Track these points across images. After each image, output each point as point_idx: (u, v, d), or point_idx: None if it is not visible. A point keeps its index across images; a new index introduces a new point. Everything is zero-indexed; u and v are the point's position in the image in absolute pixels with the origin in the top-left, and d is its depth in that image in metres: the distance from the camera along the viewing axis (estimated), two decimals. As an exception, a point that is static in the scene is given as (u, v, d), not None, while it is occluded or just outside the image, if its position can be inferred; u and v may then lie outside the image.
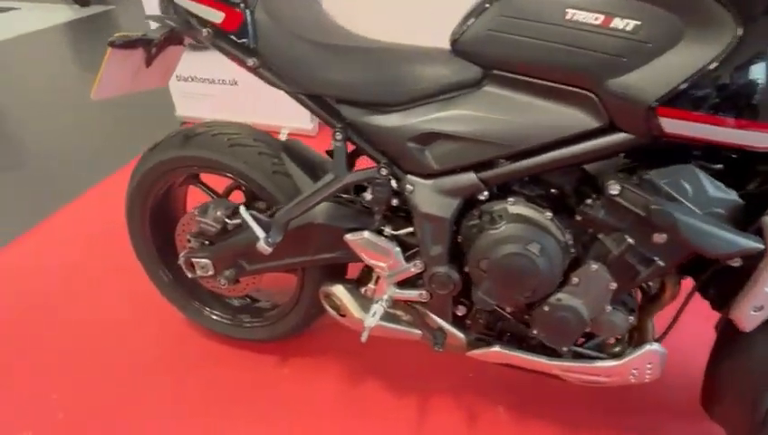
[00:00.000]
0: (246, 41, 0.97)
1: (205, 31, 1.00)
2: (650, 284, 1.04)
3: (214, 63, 2.56)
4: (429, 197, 0.98)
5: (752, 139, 0.73)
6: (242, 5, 0.95)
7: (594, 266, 0.92)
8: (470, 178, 0.95)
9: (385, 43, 1.01)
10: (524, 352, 1.09)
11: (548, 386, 1.35)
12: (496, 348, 1.11)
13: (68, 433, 1.28)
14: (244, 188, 1.28)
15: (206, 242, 1.27)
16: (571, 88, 0.83)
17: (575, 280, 0.95)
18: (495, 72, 0.89)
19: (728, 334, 0.98)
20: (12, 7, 5.58)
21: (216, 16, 0.97)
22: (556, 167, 0.89)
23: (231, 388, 1.38)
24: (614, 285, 0.93)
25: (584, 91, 0.82)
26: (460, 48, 0.91)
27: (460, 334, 1.13)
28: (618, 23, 0.75)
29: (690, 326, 1.24)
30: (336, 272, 1.27)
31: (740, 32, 0.69)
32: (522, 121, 0.88)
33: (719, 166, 0.83)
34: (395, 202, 1.05)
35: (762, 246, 0.78)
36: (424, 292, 1.10)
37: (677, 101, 0.73)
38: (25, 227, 2.02)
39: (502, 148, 0.90)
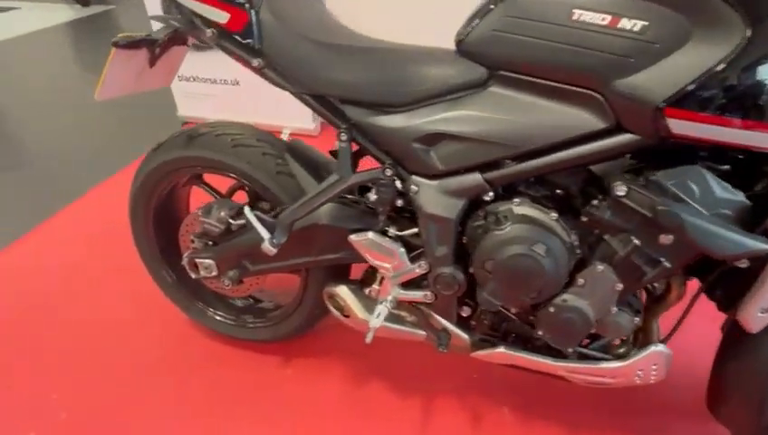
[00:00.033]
0: (251, 41, 0.97)
1: (209, 31, 1.00)
2: (655, 284, 1.04)
3: (216, 63, 2.56)
4: (434, 197, 0.98)
5: (759, 139, 0.73)
6: (247, 6, 0.95)
7: (600, 267, 0.92)
8: (475, 178, 0.94)
9: (390, 43, 1.01)
10: (529, 353, 1.09)
11: (552, 387, 1.34)
12: (501, 349, 1.10)
13: (71, 434, 1.28)
14: (247, 189, 1.28)
15: (210, 242, 1.27)
16: (577, 88, 0.82)
17: (581, 281, 0.95)
18: (501, 72, 0.89)
19: (734, 336, 0.98)
20: (12, 7, 5.57)
21: (221, 17, 0.96)
22: (562, 168, 0.89)
23: (234, 388, 1.38)
24: (620, 286, 0.92)
25: (590, 92, 0.81)
26: (465, 48, 0.90)
27: (464, 335, 1.13)
28: (625, 23, 0.75)
29: (695, 327, 1.24)
30: (340, 272, 1.27)
31: (749, 33, 0.69)
32: (527, 122, 0.87)
33: (726, 167, 0.83)
34: (399, 203, 1.04)
35: (769, 248, 0.77)
36: (428, 293, 1.10)
37: (685, 101, 0.73)
38: (27, 228, 2.02)
39: (507, 148, 0.90)
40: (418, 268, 1.06)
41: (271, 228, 1.10)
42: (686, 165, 0.82)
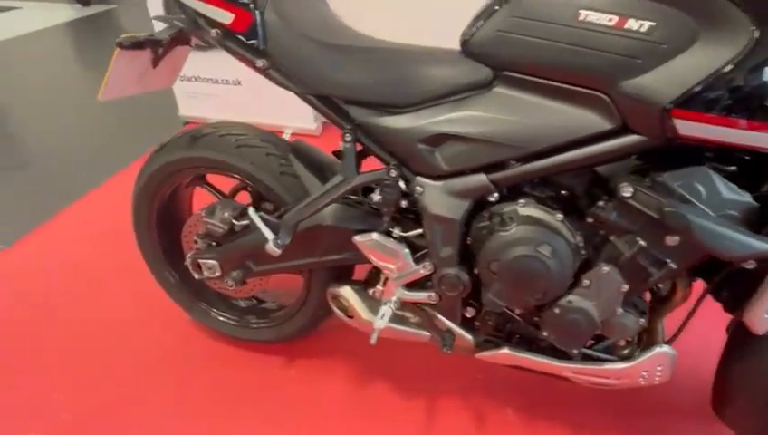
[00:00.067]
0: (256, 42, 0.97)
1: (213, 32, 0.99)
2: (660, 285, 1.04)
3: (217, 63, 2.55)
4: (439, 198, 0.98)
5: (766, 140, 0.73)
6: (252, 6, 0.95)
7: (605, 268, 0.92)
8: (480, 179, 0.94)
9: (394, 43, 1.01)
10: (534, 354, 1.09)
11: (557, 388, 1.34)
12: (505, 350, 1.10)
13: (72, 434, 1.27)
14: (250, 189, 1.27)
15: (213, 243, 1.27)
16: (583, 89, 0.82)
17: (586, 282, 0.94)
18: (506, 73, 0.89)
19: (740, 337, 0.98)
20: (13, 7, 5.57)
21: (226, 17, 0.96)
22: (568, 169, 0.89)
23: (237, 389, 1.38)
24: (625, 288, 0.92)
25: (597, 93, 0.81)
26: (470, 49, 0.90)
27: (469, 336, 1.13)
28: (632, 24, 0.74)
29: (699, 328, 1.24)
30: (343, 273, 1.27)
31: (756, 33, 0.69)
32: (533, 123, 0.87)
33: (732, 168, 0.82)
34: (404, 204, 1.04)
35: (776, 249, 0.77)
36: (433, 293, 1.09)
37: (692, 102, 0.73)
38: (30, 227, 2.02)
39: (513, 149, 0.90)
40: (423, 269, 1.06)
41: (275, 229, 1.10)
42: (693, 166, 0.81)
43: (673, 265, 0.87)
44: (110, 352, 1.48)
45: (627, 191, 0.84)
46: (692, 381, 1.35)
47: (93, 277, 1.76)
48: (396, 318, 1.17)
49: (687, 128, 0.75)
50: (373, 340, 1.13)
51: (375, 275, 1.22)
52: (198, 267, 1.29)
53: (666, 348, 1.00)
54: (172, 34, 1.11)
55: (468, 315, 1.12)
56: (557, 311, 0.97)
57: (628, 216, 0.86)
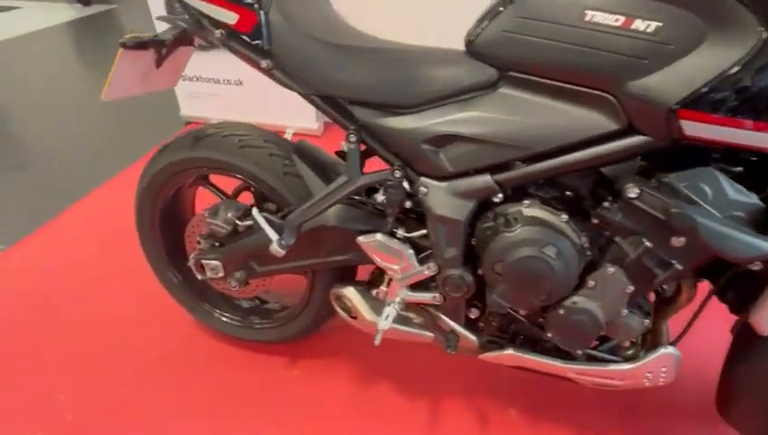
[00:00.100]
0: (261, 42, 0.96)
1: (218, 32, 0.99)
2: (665, 286, 1.03)
3: (219, 63, 2.55)
4: (443, 199, 0.98)
5: (774, 141, 0.72)
6: (256, 6, 0.94)
7: (611, 269, 0.92)
8: (485, 180, 0.94)
9: (399, 44, 1.01)
10: (538, 355, 1.09)
11: (560, 388, 1.34)
12: (509, 351, 1.10)
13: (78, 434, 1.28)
14: (253, 190, 1.27)
15: (216, 244, 1.27)
16: (589, 90, 0.82)
17: (591, 283, 0.94)
18: (511, 73, 0.88)
19: (745, 338, 0.98)
20: (14, 6, 5.57)
21: (230, 17, 0.96)
22: (573, 169, 0.88)
23: (240, 389, 1.38)
24: (631, 289, 0.92)
25: (603, 93, 0.81)
26: (475, 50, 0.90)
27: (473, 337, 1.13)
28: (639, 24, 0.74)
29: (703, 329, 1.23)
30: (346, 274, 1.27)
31: (764, 34, 0.68)
32: (538, 123, 0.87)
33: (739, 168, 0.82)
34: (408, 204, 1.04)
35: (783, 250, 0.77)
36: (437, 294, 1.09)
37: (699, 103, 0.73)
38: (32, 227, 2.02)
39: (518, 150, 0.89)
40: (427, 270, 1.06)
41: (279, 230, 1.09)
42: (698, 167, 0.81)
43: (679, 267, 0.87)
44: (113, 353, 1.48)
45: (632, 192, 0.84)
46: (696, 382, 1.35)
47: (95, 277, 1.75)
48: (399, 319, 1.17)
49: (694, 129, 0.75)
50: (377, 341, 1.12)
51: (378, 276, 1.22)
52: (201, 268, 1.29)
53: (670, 349, 0.99)
54: (175, 35, 1.11)
55: (472, 316, 1.12)
56: (562, 312, 0.97)
57: (634, 217, 0.86)
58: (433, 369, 1.42)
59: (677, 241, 0.84)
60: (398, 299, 1.13)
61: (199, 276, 1.32)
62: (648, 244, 0.87)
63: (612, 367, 1.04)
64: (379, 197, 1.06)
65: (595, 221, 0.91)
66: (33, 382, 1.40)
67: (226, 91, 2.67)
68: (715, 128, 0.73)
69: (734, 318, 1.02)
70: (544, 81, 0.85)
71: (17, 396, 1.36)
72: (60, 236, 1.98)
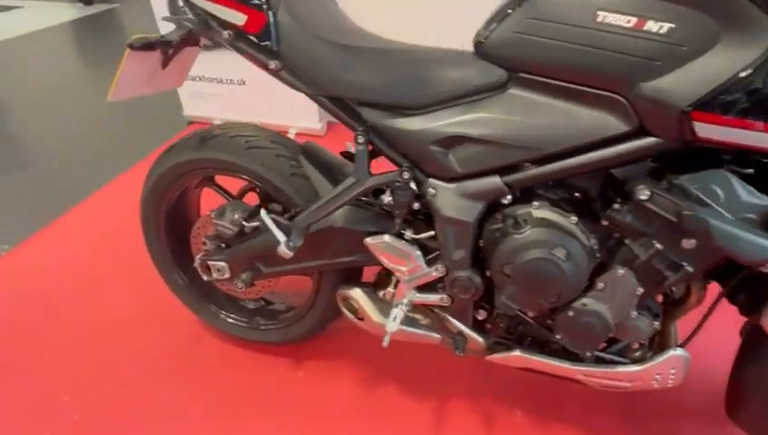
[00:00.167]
0: (269, 43, 0.96)
1: (226, 33, 0.99)
2: (674, 288, 1.03)
3: (222, 63, 2.55)
4: (452, 200, 0.97)
5: (787, 143, 0.72)
6: (265, 7, 0.94)
7: (620, 271, 0.91)
8: (494, 181, 0.94)
9: (407, 44, 1.00)
10: (546, 357, 1.08)
11: (566, 389, 1.34)
12: (517, 352, 1.10)
13: (84, 436, 1.28)
14: (258, 191, 1.27)
15: (223, 245, 1.26)
16: (600, 91, 0.82)
17: (600, 285, 0.94)
18: (521, 74, 0.88)
19: (755, 340, 0.97)
20: (15, 6, 5.56)
21: (238, 18, 0.95)
22: (583, 171, 0.88)
23: (246, 390, 1.38)
24: (640, 291, 0.92)
25: (614, 95, 0.80)
26: (484, 50, 0.89)
27: (480, 339, 1.12)
28: (651, 25, 0.74)
29: (712, 331, 1.23)
30: (352, 275, 1.27)
31: (779, 35, 0.68)
32: (548, 125, 0.87)
33: (750, 170, 0.82)
34: (416, 205, 1.04)
35: (796, 253, 0.76)
36: (445, 296, 1.09)
37: (712, 105, 0.72)
38: (35, 228, 2.01)
39: (528, 151, 0.89)
40: (435, 272, 1.06)
41: (287, 231, 1.09)
42: (710, 168, 0.81)
43: (689, 269, 0.86)
44: (116, 353, 1.48)
45: (643, 194, 0.83)
46: (703, 383, 1.35)
47: (99, 278, 1.75)
48: (406, 320, 1.17)
49: (707, 130, 0.74)
50: (385, 343, 1.12)
51: (385, 277, 1.21)
52: (207, 269, 1.29)
53: (679, 351, 0.99)
54: (182, 35, 1.10)
55: (479, 318, 1.12)
56: (571, 314, 0.97)
57: (645, 219, 0.86)
58: (438, 370, 1.41)
59: (688, 243, 0.84)
60: (405, 301, 1.12)
61: (205, 277, 1.32)
62: (658, 246, 0.87)
63: (621, 369, 1.04)
64: (386, 198, 1.06)
65: (605, 223, 0.91)
66: (38, 383, 1.40)
67: (229, 91, 2.66)
68: (727, 130, 0.73)
69: (741, 320, 1.01)
70: (554, 82, 0.85)
71: (22, 397, 1.36)
72: (63, 237, 1.98)
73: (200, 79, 2.66)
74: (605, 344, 1.09)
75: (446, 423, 1.29)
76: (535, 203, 0.94)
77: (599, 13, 0.77)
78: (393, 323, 1.10)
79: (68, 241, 1.95)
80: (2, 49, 4.28)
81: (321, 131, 2.69)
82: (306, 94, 1.01)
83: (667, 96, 0.75)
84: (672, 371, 1.01)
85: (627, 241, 0.91)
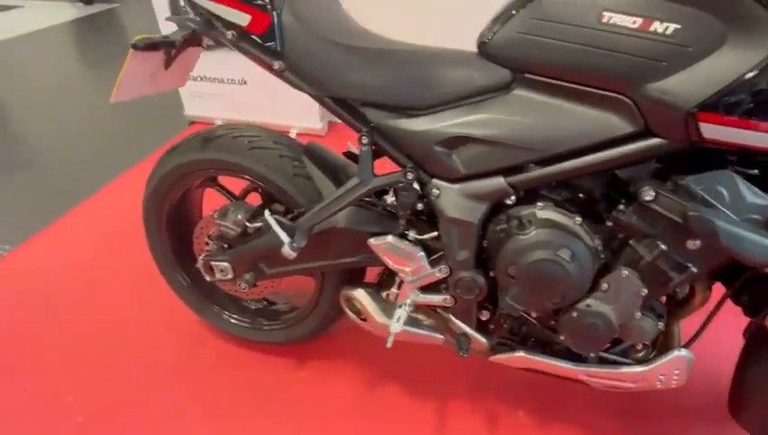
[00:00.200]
0: (273, 44, 0.96)
1: (229, 33, 0.98)
2: (678, 289, 1.03)
3: (223, 63, 2.55)
4: (456, 201, 0.97)
5: (794, 144, 0.72)
6: (269, 8, 0.94)
7: (625, 272, 0.91)
8: (498, 182, 0.93)
9: (411, 45, 1.00)
10: (549, 358, 1.08)
11: (569, 390, 1.34)
12: (520, 353, 1.10)
13: (87, 437, 1.28)
14: (261, 191, 1.27)
15: (225, 245, 1.26)
16: (605, 92, 0.81)
17: (605, 286, 0.94)
18: (526, 75, 0.88)
19: (759, 341, 0.97)
20: (16, 5, 5.56)
21: (242, 19, 0.95)
22: (587, 172, 0.88)
23: (248, 390, 1.38)
24: (645, 291, 0.92)
25: (619, 96, 0.80)
26: (489, 51, 0.89)
27: (483, 339, 1.12)
28: (657, 26, 0.74)
29: (714, 331, 1.23)
30: (355, 275, 1.27)
31: (786, 36, 0.68)
32: (552, 126, 0.87)
33: (755, 171, 0.82)
34: (419, 206, 1.03)
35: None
36: (448, 296, 1.09)
37: (718, 106, 0.72)
38: (37, 228, 2.01)
39: (532, 152, 0.89)
40: (439, 272, 1.05)
41: (290, 232, 1.09)
42: (715, 169, 0.81)
43: (694, 269, 0.86)
44: (119, 354, 1.48)
45: (648, 195, 0.83)
46: (705, 383, 1.35)
47: (101, 278, 1.75)
48: (410, 321, 1.16)
49: (713, 131, 0.74)
50: (389, 343, 1.12)
51: (388, 278, 1.21)
52: (210, 270, 1.29)
53: (683, 352, 0.99)
54: (185, 36, 1.10)
55: (483, 318, 1.12)
56: (575, 315, 0.97)
57: (649, 219, 0.86)
58: (440, 371, 1.41)
59: (693, 244, 0.84)
60: (408, 301, 1.12)
61: (208, 278, 1.32)
62: (663, 246, 0.86)
63: (625, 369, 1.04)
64: (389, 198, 1.06)
65: (609, 224, 0.91)
66: (40, 384, 1.40)
67: (231, 91, 2.66)
68: (733, 131, 0.73)
69: (743, 321, 1.01)
70: (559, 83, 0.85)
71: (25, 397, 1.36)
72: (64, 237, 1.98)
73: (201, 79, 2.66)
74: (608, 345, 1.09)
75: (448, 423, 1.29)
76: (539, 204, 0.94)
77: (604, 13, 0.77)
78: (397, 324, 1.10)
79: (69, 241, 1.95)
80: (2, 49, 4.28)
81: (322, 131, 2.69)
82: (310, 95, 1.01)
83: (673, 97, 0.75)
84: (676, 371, 1.01)
85: (631, 242, 0.90)
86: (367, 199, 1.12)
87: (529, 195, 0.96)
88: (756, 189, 0.79)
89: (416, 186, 1.00)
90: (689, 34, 0.72)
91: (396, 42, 1.02)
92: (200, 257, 1.30)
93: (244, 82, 2.62)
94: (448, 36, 1.48)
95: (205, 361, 1.46)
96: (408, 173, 0.99)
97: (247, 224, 1.20)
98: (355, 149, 1.17)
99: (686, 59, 0.73)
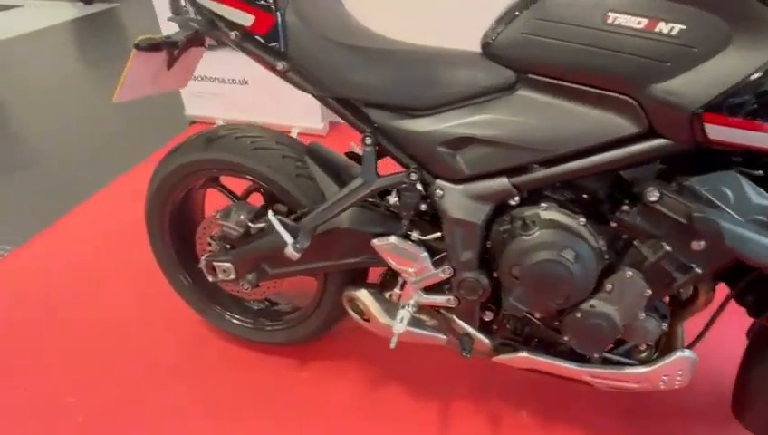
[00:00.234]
0: (277, 44, 0.95)
1: (233, 34, 0.98)
2: (681, 290, 1.03)
3: (224, 63, 2.54)
4: (460, 202, 0.97)
5: (799, 145, 0.72)
6: (273, 8, 0.93)
7: (629, 273, 0.91)
8: (502, 183, 0.93)
9: (415, 45, 1.00)
10: (552, 358, 1.08)
11: (572, 390, 1.34)
12: (524, 354, 1.10)
13: (88, 438, 1.28)
14: (263, 191, 1.27)
15: (228, 246, 1.26)
16: (609, 93, 0.81)
17: (609, 287, 0.94)
18: (530, 75, 0.88)
19: (762, 341, 0.97)
20: (16, 5, 5.55)
21: (246, 19, 0.95)
22: (592, 173, 0.88)
23: (250, 391, 1.37)
24: (649, 292, 0.92)
25: (624, 97, 0.80)
26: (492, 51, 0.89)
27: (486, 340, 1.12)
28: (662, 27, 0.74)
29: (718, 332, 1.23)
30: (358, 276, 1.27)
31: (791, 37, 0.68)
32: (557, 126, 0.86)
33: (759, 172, 0.82)
34: (423, 207, 1.03)
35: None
36: (451, 297, 1.09)
37: (724, 107, 0.72)
38: (38, 228, 2.01)
39: (536, 153, 0.89)
40: (442, 273, 1.05)
41: (294, 233, 1.09)
42: (719, 170, 0.80)
43: (698, 270, 0.86)
44: (119, 354, 1.48)
45: (653, 196, 0.83)
46: (710, 384, 1.35)
47: (102, 278, 1.75)
48: (413, 321, 1.16)
49: (718, 132, 0.74)
50: (393, 344, 1.12)
51: (391, 278, 1.21)
52: (213, 270, 1.29)
53: (687, 352, 0.99)
54: (188, 36, 1.10)
55: (486, 319, 1.11)
56: (579, 315, 0.97)
57: (654, 220, 0.86)
58: (443, 371, 1.41)
59: (697, 245, 0.84)
60: (411, 302, 1.12)
61: (210, 278, 1.31)
62: (667, 247, 0.86)
63: (628, 370, 1.04)
64: (392, 199, 1.06)
65: (613, 224, 0.91)
66: (41, 384, 1.39)
67: (231, 91, 2.66)
68: (739, 132, 0.73)
69: (748, 321, 1.01)
70: (563, 83, 0.85)
71: (26, 398, 1.36)
72: (65, 237, 1.97)
73: (202, 78, 2.65)
74: (612, 345, 1.09)
75: (451, 424, 1.29)
76: (543, 204, 0.94)
77: (609, 14, 0.77)
78: (400, 325, 1.10)
79: (70, 241, 1.94)
80: (2, 48, 4.27)
81: (323, 131, 2.69)
82: (313, 95, 1.01)
83: (678, 98, 0.75)
84: (679, 372, 1.01)
85: (635, 243, 0.90)
86: (370, 200, 1.12)
87: (533, 195, 0.96)
88: (761, 190, 0.79)
89: (419, 186, 1.00)
90: (694, 35, 0.72)
91: (399, 42, 1.01)
92: (203, 258, 1.29)
93: (245, 82, 2.62)
94: (450, 36, 1.48)
95: (206, 361, 1.46)
96: (412, 174, 0.99)
97: (250, 224, 1.20)
98: (357, 150, 1.17)
99: (692, 60, 0.73)
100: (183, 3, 2.34)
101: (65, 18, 5.08)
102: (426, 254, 1.06)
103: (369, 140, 0.99)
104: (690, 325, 1.04)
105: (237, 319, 1.45)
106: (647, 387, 1.05)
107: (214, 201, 1.42)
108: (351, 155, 1.23)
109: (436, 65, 0.95)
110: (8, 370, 1.44)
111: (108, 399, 1.36)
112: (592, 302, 0.95)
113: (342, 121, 1.03)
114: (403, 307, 1.12)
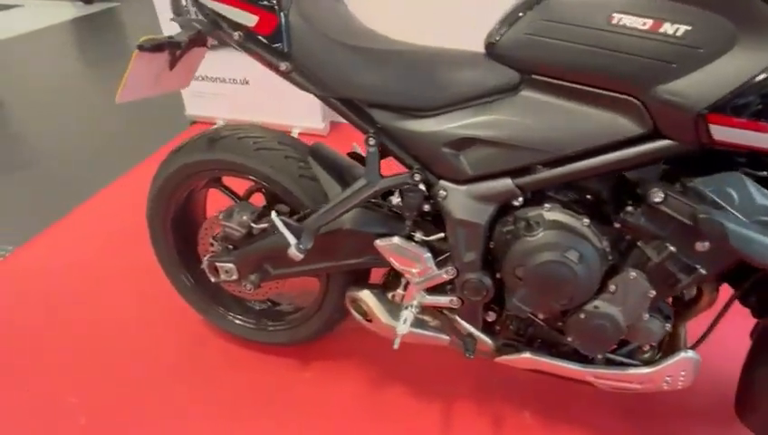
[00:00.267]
0: (280, 45, 0.95)
1: (236, 34, 0.98)
2: (685, 290, 1.03)
3: (225, 62, 2.54)
4: (463, 202, 0.97)
5: (804, 146, 0.72)
6: (276, 8, 0.93)
7: (633, 274, 0.91)
8: (506, 184, 0.93)
9: (418, 46, 1.00)
10: (555, 359, 1.08)
11: (574, 390, 1.34)
12: (527, 354, 1.10)
13: (91, 439, 1.27)
14: (264, 192, 1.27)
15: (230, 246, 1.26)
16: (614, 94, 0.81)
17: (612, 287, 0.94)
18: (534, 76, 0.87)
19: (765, 342, 0.97)
20: (16, 4, 5.54)
21: (249, 20, 0.95)
22: (596, 174, 0.88)
23: (251, 391, 1.37)
24: (652, 293, 0.91)
25: (628, 97, 0.80)
26: (496, 52, 0.89)
27: (489, 341, 1.12)
28: (667, 28, 0.73)
29: (721, 332, 1.23)
30: (360, 277, 1.26)
31: (797, 38, 0.68)
32: (561, 127, 0.86)
33: (764, 173, 0.82)
34: (426, 208, 1.03)
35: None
36: (454, 298, 1.09)
37: (729, 108, 0.72)
38: (40, 227, 2.01)
39: (540, 154, 0.89)
40: (445, 274, 1.05)
41: (297, 234, 1.08)
42: (724, 171, 0.80)
43: (702, 271, 0.86)
44: (121, 354, 1.48)
45: (657, 197, 0.83)
46: (713, 385, 1.35)
47: (104, 278, 1.75)
48: (415, 322, 1.16)
49: (723, 133, 0.74)
50: (396, 345, 1.12)
51: (393, 279, 1.21)
52: (215, 270, 1.28)
53: (690, 353, 0.99)
54: (190, 36, 1.10)
55: (489, 319, 1.11)
56: (582, 316, 0.97)
57: (658, 221, 0.85)
58: (446, 372, 1.41)
59: (702, 246, 0.84)
60: (415, 302, 1.12)
61: (213, 279, 1.31)
62: (671, 248, 0.86)
63: (632, 371, 1.03)
64: (395, 199, 1.05)
65: (617, 225, 0.91)
66: (42, 384, 1.39)
67: (232, 91, 2.65)
68: (744, 133, 0.73)
69: (751, 322, 1.01)
70: (568, 84, 0.84)
71: (29, 399, 1.36)
72: (66, 238, 1.97)
73: (203, 78, 2.65)
74: (615, 346, 1.09)
75: (453, 425, 1.29)
76: (547, 205, 0.93)
77: (614, 15, 0.77)
78: (404, 326, 1.10)
79: (71, 242, 1.94)
80: (2, 48, 4.27)
81: (324, 131, 2.68)
82: (317, 96, 1.01)
83: (683, 99, 0.74)
84: (682, 372, 1.01)
85: (639, 243, 0.90)
86: (373, 200, 1.11)
87: (536, 196, 0.96)
88: (766, 191, 0.78)
89: (422, 187, 1.00)
90: (700, 36, 0.72)
91: (402, 42, 1.01)
92: (205, 258, 1.29)
93: (246, 82, 2.61)
94: (452, 36, 1.48)
95: (207, 361, 1.46)
96: (416, 174, 0.99)
97: (253, 225, 1.20)
98: (360, 150, 1.17)
99: (697, 60, 0.73)
100: (184, 3, 2.33)
101: (65, 18, 5.08)
102: (429, 254, 1.06)
103: (372, 141, 0.98)
104: (693, 326, 1.04)
105: (239, 319, 1.45)
106: (650, 388, 1.04)
107: (214, 201, 1.42)
108: (354, 155, 1.23)
109: (440, 66, 0.95)
110: (9, 370, 1.44)
111: (109, 399, 1.35)
112: (596, 303, 0.95)
113: (343, 121, 1.03)
114: (406, 308, 1.12)
